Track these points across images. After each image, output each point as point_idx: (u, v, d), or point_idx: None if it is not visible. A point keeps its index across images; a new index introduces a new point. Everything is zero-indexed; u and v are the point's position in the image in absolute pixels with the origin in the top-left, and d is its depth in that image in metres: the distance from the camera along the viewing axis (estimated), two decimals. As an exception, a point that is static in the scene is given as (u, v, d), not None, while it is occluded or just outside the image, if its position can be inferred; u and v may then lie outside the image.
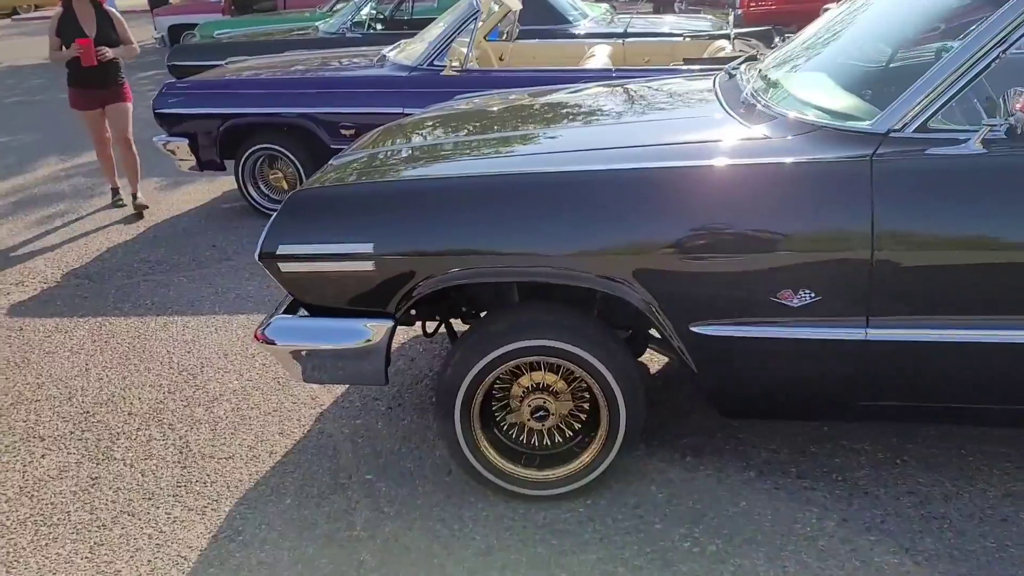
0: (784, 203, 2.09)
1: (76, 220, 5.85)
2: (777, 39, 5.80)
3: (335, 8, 11.00)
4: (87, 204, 6.22)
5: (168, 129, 5.55)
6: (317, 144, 5.42)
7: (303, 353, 2.40)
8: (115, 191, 6.16)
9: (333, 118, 5.26)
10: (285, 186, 5.57)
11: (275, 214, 2.39)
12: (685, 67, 5.01)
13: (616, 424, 2.35)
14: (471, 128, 2.90)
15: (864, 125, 2.13)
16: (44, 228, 5.68)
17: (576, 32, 7.90)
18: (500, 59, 6.46)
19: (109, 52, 5.52)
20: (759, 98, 2.48)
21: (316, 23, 8.60)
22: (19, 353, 3.78)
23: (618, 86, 3.37)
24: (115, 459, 2.89)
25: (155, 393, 3.33)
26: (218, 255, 4.97)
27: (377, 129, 3.33)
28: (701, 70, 4.94)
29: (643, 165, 2.20)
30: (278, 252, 2.34)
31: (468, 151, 2.58)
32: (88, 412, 3.22)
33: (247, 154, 5.48)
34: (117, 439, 3.02)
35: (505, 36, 6.67)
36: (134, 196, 5.93)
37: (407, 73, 5.21)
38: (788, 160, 2.12)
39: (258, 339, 2.43)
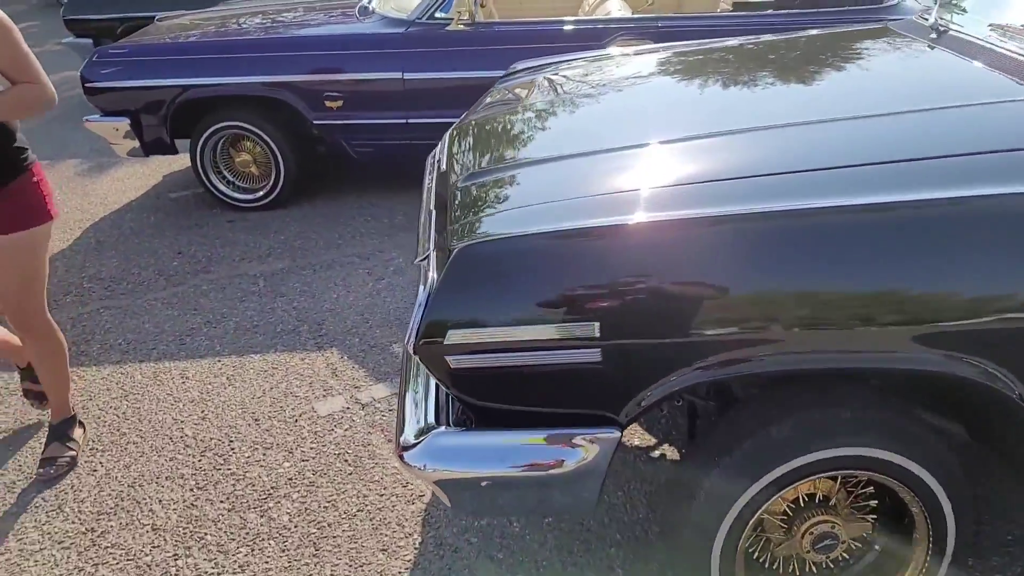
0: None
1: (-14, 223, 4.70)
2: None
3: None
4: None
5: (103, 106, 4.46)
6: (294, 118, 4.47)
7: (483, 483, 1.61)
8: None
9: (316, 86, 4.31)
10: (254, 171, 4.59)
11: (438, 281, 1.56)
12: (740, 14, 4.27)
13: (942, 548, 1.68)
14: (686, 111, 2.05)
15: None
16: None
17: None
18: (482, 6, 5.56)
19: None
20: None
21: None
22: (-38, 433, 2.81)
23: (784, 46, 2.59)
24: (158, 613, 2.04)
25: (179, 491, 2.45)
26: (190, 265, 4.00)
27: (485, 113, 2.44)
28: (756, 16, 4.23)
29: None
30: (448, 340, 1.52)
31: (748, 155, 1.73)
32: (93, 529, 2.32)
33: (207, 134, 4.46)
34: (150, 574, 2.15)
35: (485, -21, 5.76)
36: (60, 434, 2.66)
37: (404, 29, 4.29)
38: None
39: (405, 463, 1.62)
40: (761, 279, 1.46)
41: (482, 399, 1.60)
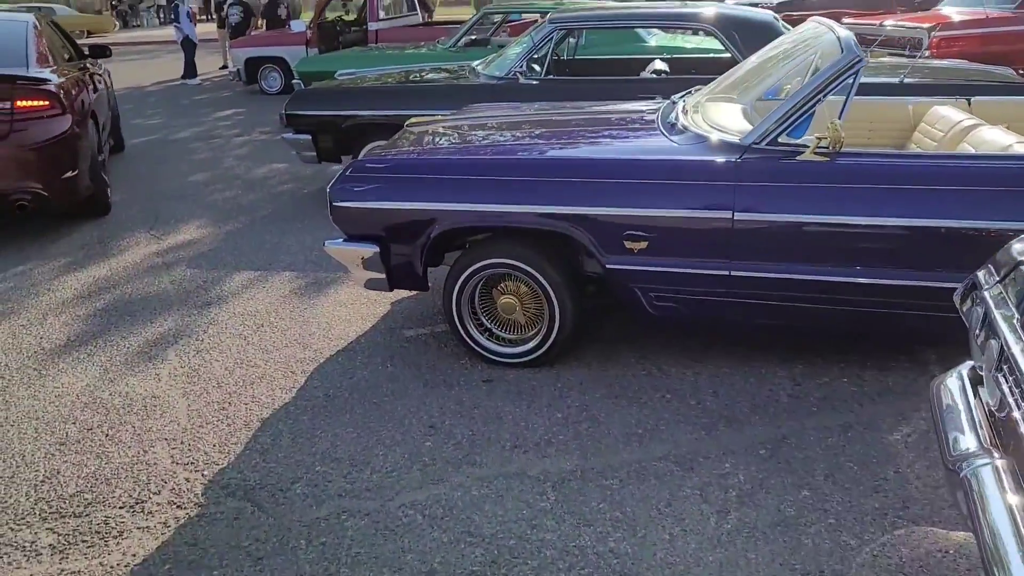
0: None
1: (195, 351, 3.96)
2: None
3: (459, 42, 9.23)
4: (201, 319, 4.34)
5: (350, 229, 3.66)
6: (578, 258, 3.54)
7: None
8: None
9: (616, 222, 3.35)
10: (521, 319, 3.64)
11: None
12: None
13: None
14: None
15: None
16: (152, 366, 3.80)
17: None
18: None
19: None
20: None
21: (473, 64, 6.71)
22: None
23: None
24: None
25: None
26: (449, 449, 3.04)
27: None
28: None
29: None
30: None
31: None
32: None
33: (470, 271, 3.56)
34: None
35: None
36: None
37: (737, 156, 3.28)
38: None
39: None
40: None
41: None
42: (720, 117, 3.68)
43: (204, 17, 18.21)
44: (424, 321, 4.21)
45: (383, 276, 3.67)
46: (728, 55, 5.97)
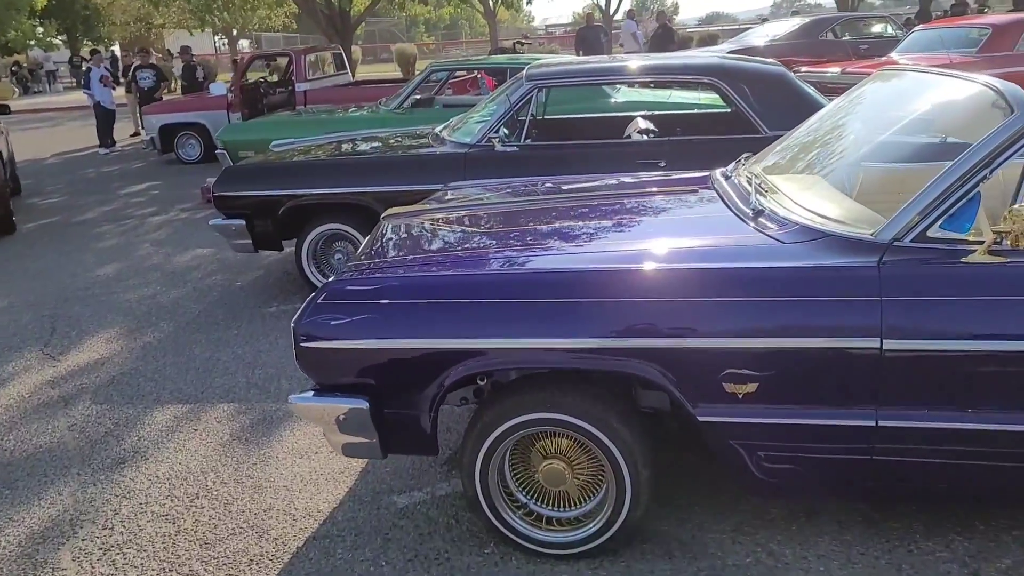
0: None
1: (102, 549, 2.79)
2: None
3: (405, 103, 8.29)
4: (110, 489, 3.17)
5: (327, 379, 2.57)
6: (652, 405, 2.53)
7: None
8: None
9: (710, 360, 2.36)
10: (572, 489, 2.58)
11: None
12: None
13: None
14: None
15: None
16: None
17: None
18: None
19: None
20: None
21: (436, 130, 5.69)
22: None
23: None
24: None
25: None
26: None
27: None
28: None
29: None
30: None
31: None
32: None
33: (501, 431, 2.50)
34: None
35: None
36: None
37: (875, 258, 2.34)
38: None
39: None
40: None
41: None
42: (809, 198, 2.76)
43: (123, 80, 16.79)
44: (418, 479, 3.13)
45: (373, 440, 2.59)
46: (728, 110, 5.16)
